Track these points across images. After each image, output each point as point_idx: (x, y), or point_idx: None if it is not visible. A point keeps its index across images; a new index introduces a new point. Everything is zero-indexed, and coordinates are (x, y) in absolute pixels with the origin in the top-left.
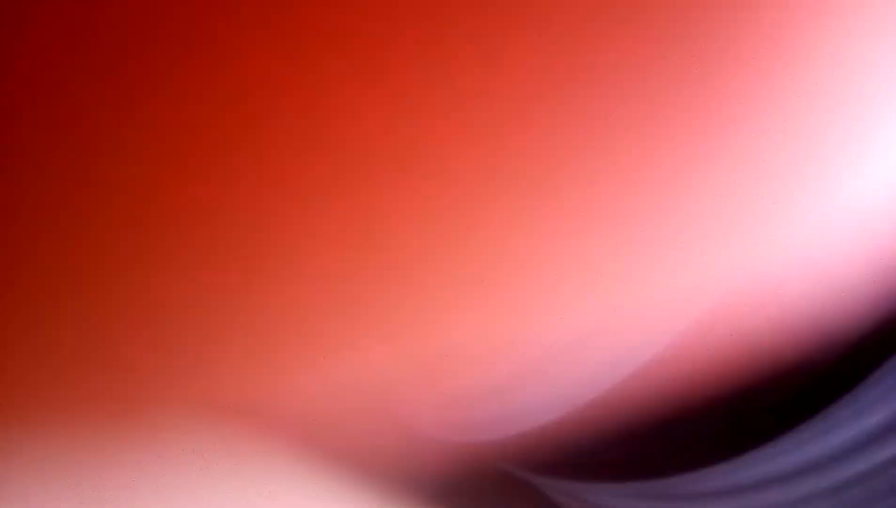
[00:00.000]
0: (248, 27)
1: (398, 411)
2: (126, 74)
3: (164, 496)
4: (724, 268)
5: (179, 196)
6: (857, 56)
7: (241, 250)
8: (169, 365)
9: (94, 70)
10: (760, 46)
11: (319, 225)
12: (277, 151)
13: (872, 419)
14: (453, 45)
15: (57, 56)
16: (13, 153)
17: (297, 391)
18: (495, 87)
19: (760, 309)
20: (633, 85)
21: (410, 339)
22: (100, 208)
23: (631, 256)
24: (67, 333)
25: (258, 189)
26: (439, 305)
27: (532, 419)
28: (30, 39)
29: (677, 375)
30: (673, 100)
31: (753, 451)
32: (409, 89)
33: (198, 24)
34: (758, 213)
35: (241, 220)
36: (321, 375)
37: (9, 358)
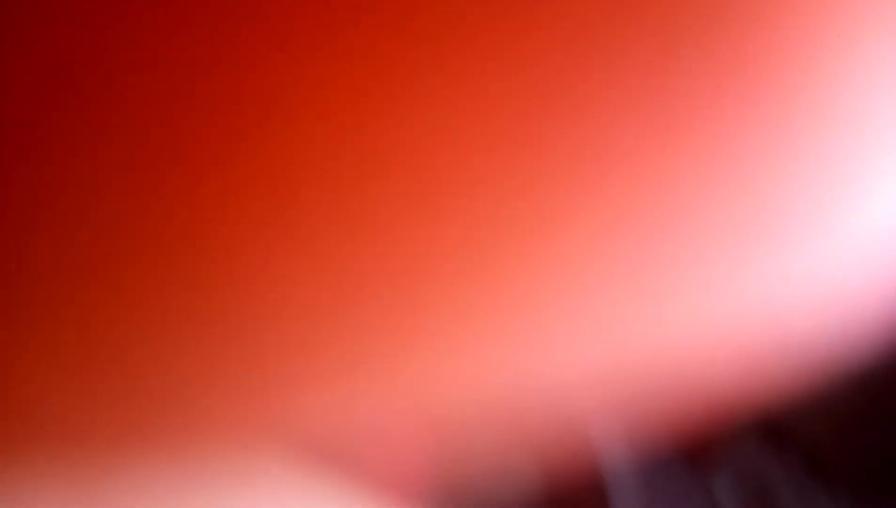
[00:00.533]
0: (253, 30)
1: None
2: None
3: None
4: (740, 296)
5: (224, 230)
6: (872, 83)
7: (291, 265)
8: (227, 393)
9: (93, 70)
10: (781, 68)
11: (379, 251)
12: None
13: None
14: (463, 50)
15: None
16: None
17: (364, 414)
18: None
19: (767, 342)
20: (644, 103)
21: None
22: (127, 222)
23: (641, 281)
24: (106, 364)
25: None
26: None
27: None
28: (40, 50)
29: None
30: (686, 124)
31: None
32: (405, 106)
33: (198, 24)
34: (778, 237)
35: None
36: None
37: (42, 387)
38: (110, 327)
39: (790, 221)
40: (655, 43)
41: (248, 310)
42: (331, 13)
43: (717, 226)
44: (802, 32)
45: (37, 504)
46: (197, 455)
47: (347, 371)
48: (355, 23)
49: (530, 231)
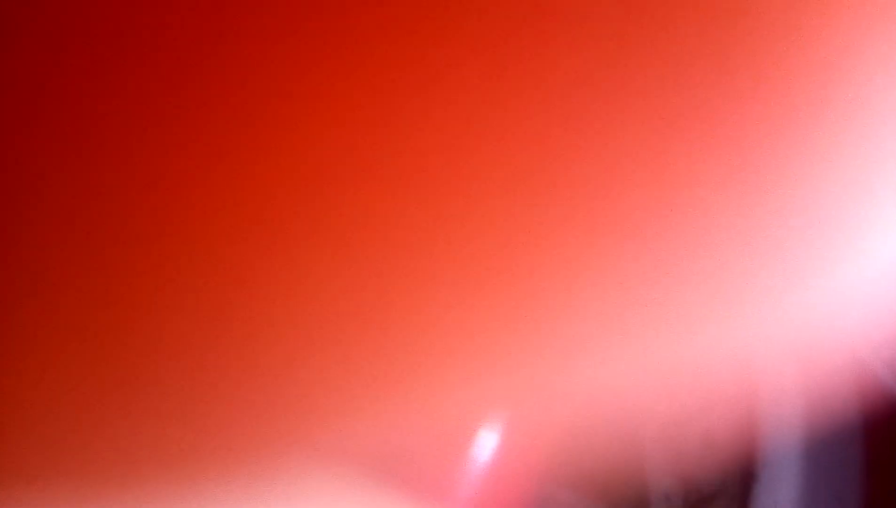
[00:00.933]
0: (256, 33)
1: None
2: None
3: None
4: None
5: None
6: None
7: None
8: (285, 414)
9: (95, 71)
10: (797, 92)
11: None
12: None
13: None
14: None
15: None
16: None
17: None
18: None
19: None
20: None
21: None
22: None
23: (640, 319)
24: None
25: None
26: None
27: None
28: (45, 51)
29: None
30: (699, 140)
31: None
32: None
33: (198, 24)
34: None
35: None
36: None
37: (91, 416)
38: (149, 356)
39: (807, 246)
40: (670, 57)
41: (283, 326)
42: (344, 15)
43: (733, 250)
44: (820, 55)
45: None
46: (240, 476)
47: (389, 387)
48: (367, 27)
49: (546, 247)
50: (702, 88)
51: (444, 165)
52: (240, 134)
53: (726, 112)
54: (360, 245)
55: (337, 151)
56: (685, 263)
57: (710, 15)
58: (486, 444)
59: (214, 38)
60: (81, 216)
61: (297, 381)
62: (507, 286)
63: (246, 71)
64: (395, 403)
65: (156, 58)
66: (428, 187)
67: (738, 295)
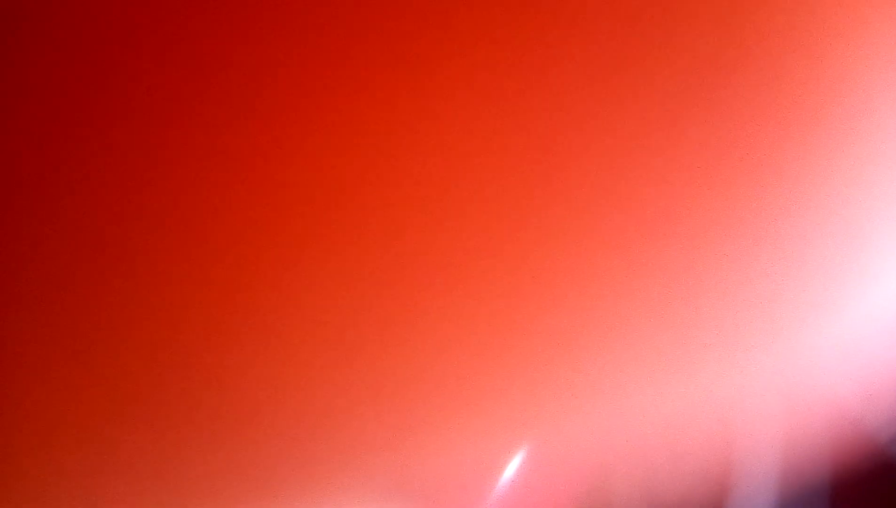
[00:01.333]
0: (259, 35)
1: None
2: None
3: None
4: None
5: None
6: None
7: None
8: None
9: (94, 72)
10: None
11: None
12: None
13: None
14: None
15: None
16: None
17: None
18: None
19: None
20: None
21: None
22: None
23: (649, 361)
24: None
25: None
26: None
27: None
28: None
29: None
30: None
31: None
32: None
33: (197, 25)
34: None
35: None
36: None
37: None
38: (149, 362)
39: (811, 295)
40: (674, 61)
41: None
42: (347, 20)
43: (738, 300)
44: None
45: None
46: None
47: (416, 422)
48: (369, 32)
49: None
50: (706, 89)
51: (447, 168)
52: (240, 135)
53: (731, 114)
54: (378, 280)
55: (337, 152)
56: (684, 307)
57: (715, 18)
58: (512, 473)
59: (215, 38)
60: (81, 216)
61: (324, 417)
62: (531, 325)
63: (246, 72)
64: (421, 436)
65: (156, 58)
66: (439, 197)
67: (724, 342)
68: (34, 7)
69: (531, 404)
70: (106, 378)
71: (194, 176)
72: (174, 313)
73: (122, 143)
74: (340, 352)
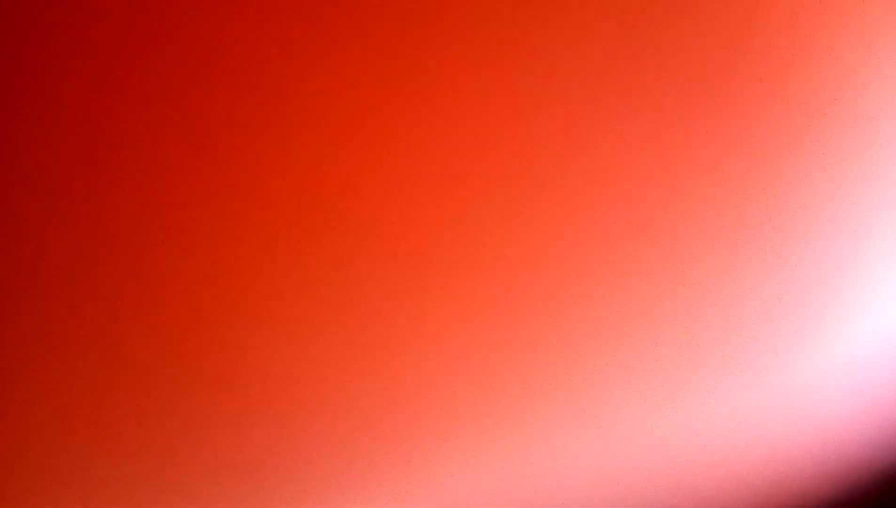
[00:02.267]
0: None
1: None
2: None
3: None
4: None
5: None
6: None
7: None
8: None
9: (96, 75)
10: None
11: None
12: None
13: None
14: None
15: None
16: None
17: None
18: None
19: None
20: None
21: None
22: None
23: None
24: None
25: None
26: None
27: None
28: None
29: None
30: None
31: None
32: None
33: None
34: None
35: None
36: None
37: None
38: (149, 363)
39: (808, 316)
40: (676, 61)
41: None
42: (347, 21)
43: (736, 326)
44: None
45: None
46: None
47: (400, 464)
48: (370, 33)
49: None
50: (706, 89)
51: (447, 168)
52: (240, 136)
53: (732, 113)
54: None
55: (338, 153)
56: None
57: (716, 18)
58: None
59: (215, 39)
60: (81, 217)
61: (324, 416)
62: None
63: (246, 73)
64: (421, 438)
65: (156, 59)
66: (440, 198)
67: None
68: (34, 7)
69: (529, 417)
70: (106, 378)
71: (194, 176)
72: (174, 313)
73: (123, 143)
74: (340, 352)
